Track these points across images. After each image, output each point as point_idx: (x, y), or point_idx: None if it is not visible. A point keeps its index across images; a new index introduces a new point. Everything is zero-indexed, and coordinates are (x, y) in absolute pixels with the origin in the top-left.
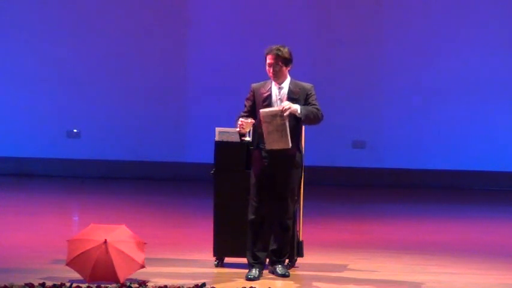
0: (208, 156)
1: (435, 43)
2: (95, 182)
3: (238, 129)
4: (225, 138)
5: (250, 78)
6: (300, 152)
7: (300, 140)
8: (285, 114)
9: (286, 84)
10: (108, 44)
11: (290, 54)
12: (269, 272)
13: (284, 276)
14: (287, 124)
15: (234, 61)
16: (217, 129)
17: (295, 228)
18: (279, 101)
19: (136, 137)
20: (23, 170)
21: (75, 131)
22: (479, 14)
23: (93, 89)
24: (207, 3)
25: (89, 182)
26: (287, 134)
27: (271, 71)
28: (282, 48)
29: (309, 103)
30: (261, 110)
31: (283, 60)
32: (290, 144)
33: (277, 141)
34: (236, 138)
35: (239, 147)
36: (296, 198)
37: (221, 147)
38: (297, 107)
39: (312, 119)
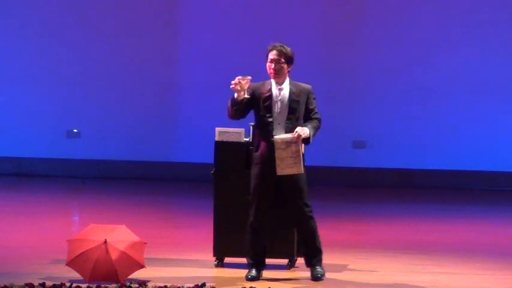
0: (208, 156)
1: (435, 43)
2: (95, 182)
3: (233, 87)
4: (225, 138)
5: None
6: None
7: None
8: (298, 141)
9: (286, 85)
10: (108, 45)
11: (293, 53)
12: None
13: (316, 279)
14: (301, 151)
15: (232, 60)
16: (217, 129)
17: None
18: (279, 102)
19: (136, 137)
20: (23, 170)
21: (75, 131)
22: (479, 13)
23: (93, 89)
24: (198, 1)
25: (89, 182)
26: (300, 160)
27: (272, 67)
28: (285, 46)
29: (308, 107)
30: (275, 137)
31: (286, 58)
32: (303, 170)
33: (291, 167)
34: (236, 138)
35: (239, 147)
36: (308, 197)
37: (221, 147)
38: (308, 131)
39: (314, 134)
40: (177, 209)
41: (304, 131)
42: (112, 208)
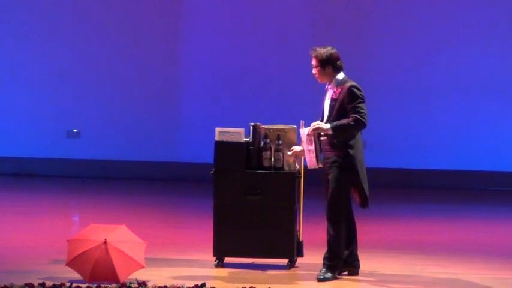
0: (208, 156)
1: (435, 43)
2: (95, 182)
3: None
4: (225, 138)
5: (248, 76)
6: (344, 153)
7: (346, 142)
8: (311, 134)
9: (332, 85)
10: (108, 45)
11: (328, 54)
12: None
13: (318, 280)
14: (314, 145)
15: (232, 60)
16: (217, 129)
17: (295, 228)
18: (326, 102)
19: (136, 137)
20: (23, 170)
21: (75, 131)
22: (480, 13)
23: (93, 89)
24: (202, 2)
25: (89, 182)
26: (314, 155)
27: (313, 72)
28: (318, 48)
29: (347, 106)
30: (300, 129)
31: (319, 61)
32: (317, 165)
33: (310, 161)
34: (236, 138)
35: (239, 147)
36: (336, 201)
37: (221, 147)
38: (327, 126)
39: (344, 131)
40: (177, 209)
41: (319, 124)
42: (112, 208)
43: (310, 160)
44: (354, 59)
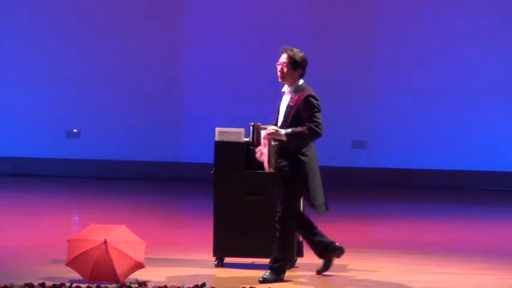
0: (208, 156)
1: (436, 43)
2: (95, 182)
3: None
4: (225, 138)
5: (248, 76)
6: (295, 159)
7: (299, 149)
8: (265, 138)
9: (291, 90)
10: (108, 44)
11: (302, 58)
12: None
13: (258, 281)
14: (267, 148)
15: (232, 60)
16: (217, 129)
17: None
18: (282, 107)
19: (136, 137)
20: (23, 170)
21: (75, 131)
22: (477, 12)
23: (93, 89)
24: (202, 2)
25: (89, 182)
26: (268, 159)
27: (278, 69)
28: (295, 49)
29: (302, 115)
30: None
31: (291, 62)
32: (269, 169)
33: (264, 163)
34: (236, 138)
35: (239, 147)
36: (284, 205)
37: (221, 147)
38: (282, 133)
39: (298, 139)
40: (177, 209)
41: (274, 129)
42: (112, 208)
43: (264, 163)
44: (354, 59)
